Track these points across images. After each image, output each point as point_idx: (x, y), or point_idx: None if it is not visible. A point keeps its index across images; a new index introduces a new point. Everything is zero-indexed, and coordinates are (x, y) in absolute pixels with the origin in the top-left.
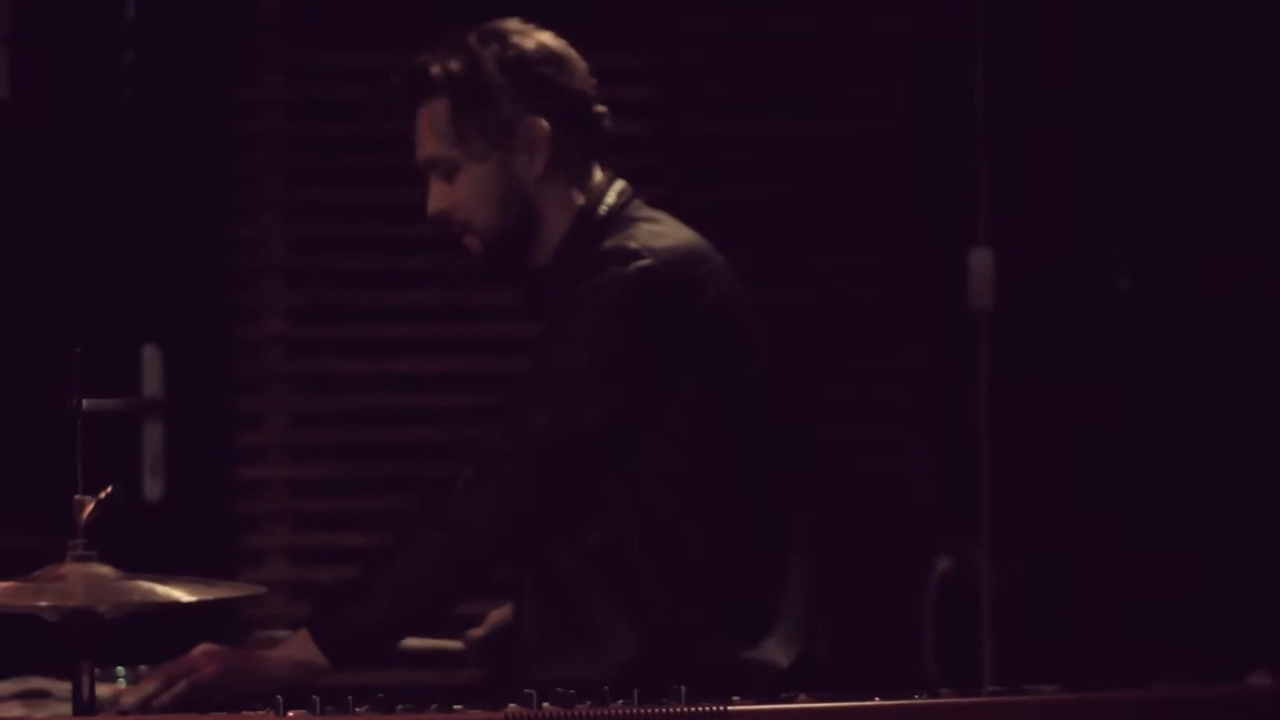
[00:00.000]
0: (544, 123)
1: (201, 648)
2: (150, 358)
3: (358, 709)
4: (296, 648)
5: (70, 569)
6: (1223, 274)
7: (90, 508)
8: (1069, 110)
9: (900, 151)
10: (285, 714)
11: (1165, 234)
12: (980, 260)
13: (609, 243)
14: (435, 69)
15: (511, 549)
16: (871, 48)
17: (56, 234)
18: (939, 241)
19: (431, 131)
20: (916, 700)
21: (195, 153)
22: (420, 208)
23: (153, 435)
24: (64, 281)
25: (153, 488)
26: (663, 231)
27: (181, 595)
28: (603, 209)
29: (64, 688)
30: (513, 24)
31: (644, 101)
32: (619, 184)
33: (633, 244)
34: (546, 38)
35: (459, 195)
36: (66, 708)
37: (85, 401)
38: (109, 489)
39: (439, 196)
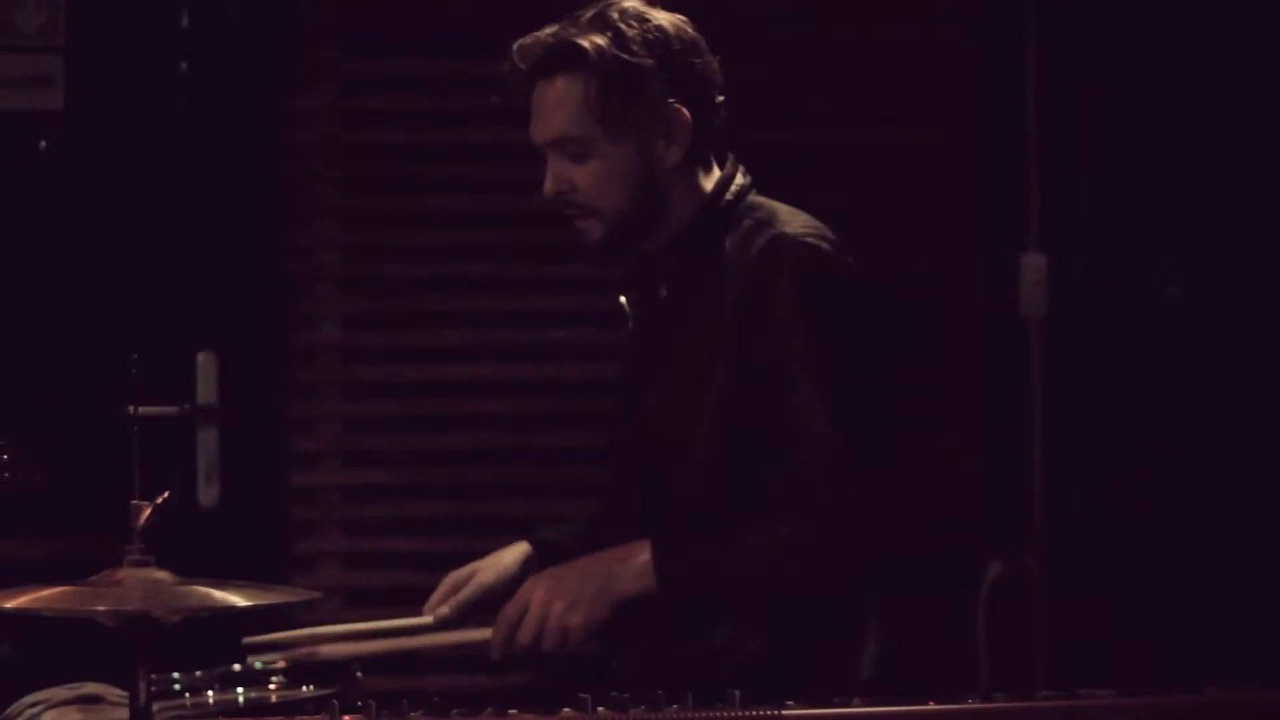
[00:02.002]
0: (685, 111)
1: (531, 584)
2: (205, 364)
3: (413, 713)
4: (627, 565)
5: (127, 574)
6: (1274, 281)
7: (146, 513)
8: (1123, 116)
9: (954, 159)
10: (342, 718)
11: (1217, 241)
12: (1033, 267)
13: (775, 229)
14: (585, 43)
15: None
16: (925, 56)
17: (112, 241)
18: (992, 248)
19: (567, 108)
20: (970, 705)
21: (249, 160)
22: (470, 212)
23: (208, 441)
24: (120, 289)
25: (208, 493)
26: (797, 211)
27: (237, 600)
28: (729, 196)
29: (120, 693)
30: (642, 3)
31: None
32: (741, 170)
33: (798, 227)
34: (681, 20)
35: (589, 177)
36: (122, 713)
37: (141, 408)
38: (165, 494)
39: (562, 176)
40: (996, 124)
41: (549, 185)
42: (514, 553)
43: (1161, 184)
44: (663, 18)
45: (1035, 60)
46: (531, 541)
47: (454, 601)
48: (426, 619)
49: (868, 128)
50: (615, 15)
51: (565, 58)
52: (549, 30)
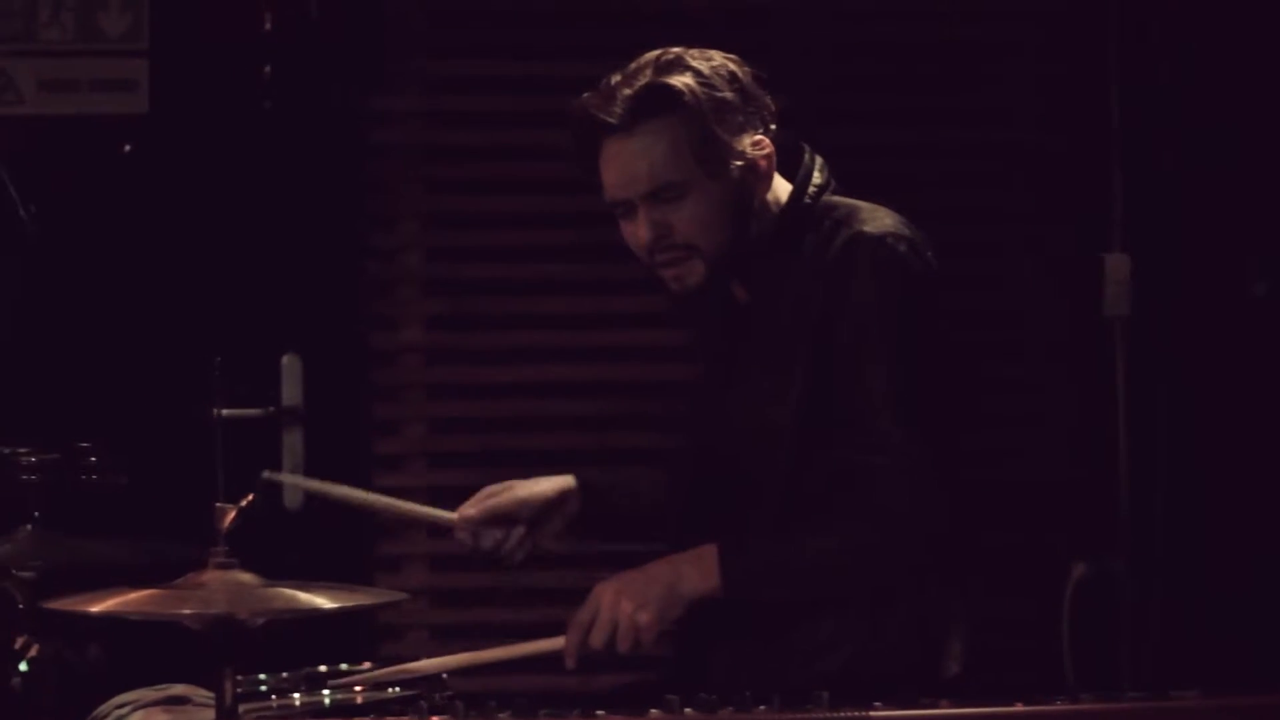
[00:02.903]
0: (767, 140)
1: (600, 589)
2: (290, 366)
3: (500, 714)
4: (693, 565)
5: (212, 576)
6: None
7: (231, 515)
8: (1206, 114)
9: (1036, 159)
10: (429, 718)
11: None
12: (1117, 267)
13: (854, 228)
14: (678, 84)
15: (940, 543)
16: (1005, 55)
17: (196, 244)
18: (1075, 249)
19: (659, 154)
20: (1058, 706)
21: (333, 163)
22: (552, 213)
23: (292, 443)
24: (204, 292)
25: (292, 495)
26: (878, 208)
27: (322, 602)
28: (808, 197)
29: (206, 694)
30: (693, 50)
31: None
32: (819, 166)
33: (878, 226)
34: (727, 55)
35: (688, 218)
36: (209, 714)
37: (225, 410)
38: (250, 497)
39: (659, 222)
40: (1080, 123)
41: (646, 234)
42: (555, 482)
43: (1246, 182)
44: (716, 54)
45: (1118, 59)
46: (577, 476)
47: (484, 505)
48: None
49: (947, 128)
50: (686, 57)
51: (657, 103)
52: (615, 83)
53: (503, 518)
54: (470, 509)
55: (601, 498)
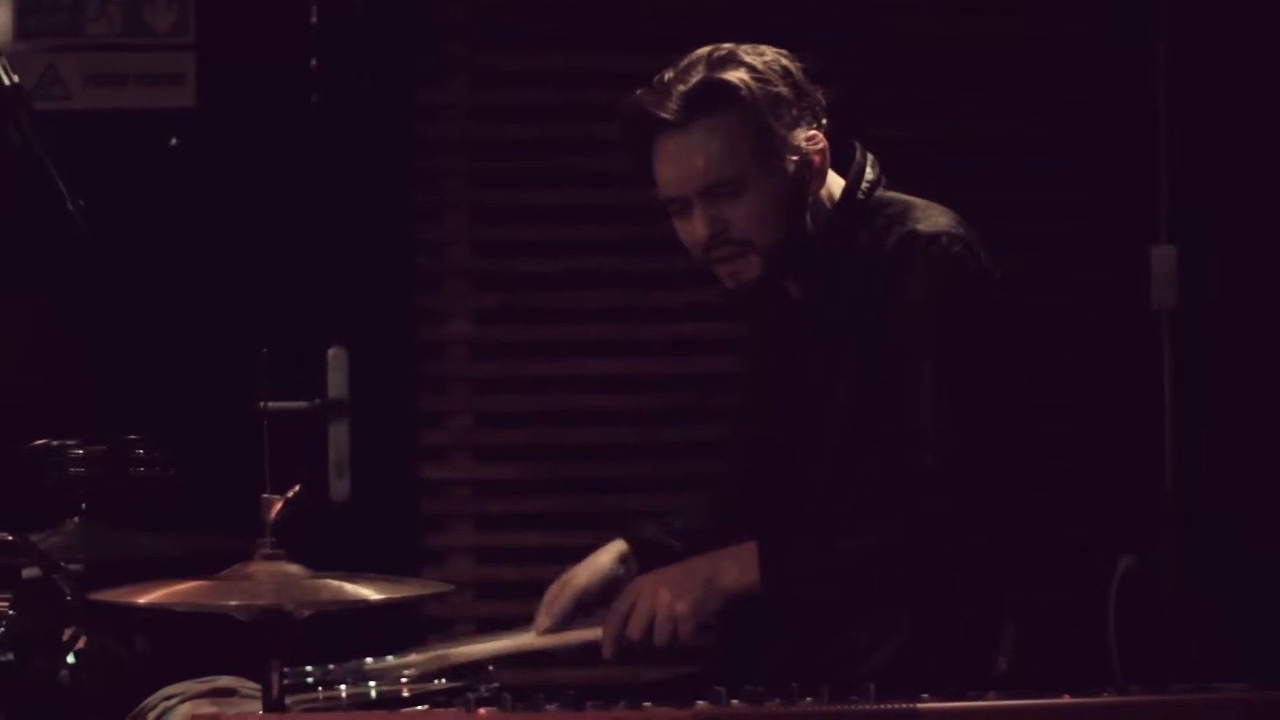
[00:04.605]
0: (820, 135)
1: (639, 581)
2: (336, 359)
3: (548, 706)
4: (733, 560)
5: (259, 568)
6: None
7: (278, 507)
8: (1252, 106)
9: (1082, 151)
10: (476, 711)
11: None
12: (1163, 258)
13: (908, 226)
14: (734, 79)
15: (983, 546)
16: (1051, 49)
17: (243, 238)
18: (1121, 240)
19: (715, 149)
20: (1105, 698)
21: (380, 156)
22: (600, 207)
23: (338, 436)
24: (251, 285)
25: (338, 488)
26: (932, 205)
27: (369, 594)
28: (861, 193)
29: (253, 686)
30: (745, 45)
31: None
32: (871, 162)
33: (931, 224)
34: (779, 50)
35: (744, 214)
36: (256, 706)
37: (272, 403)
38: (296, 489)
39: (715, 218)
40: (1126, 115)
41: (703, 230)
42: (610, 552)
43: None
44: (768, 49)
45: (1165, 52)
46: (628, 539)
47: (552, 612)
48: (531, 634)
49: (994, 121)
50: (739, 53)
51: (712, 98)
52: (668, 79)
53: (577, 612)
54: (544, 621)
55: (658, 551)
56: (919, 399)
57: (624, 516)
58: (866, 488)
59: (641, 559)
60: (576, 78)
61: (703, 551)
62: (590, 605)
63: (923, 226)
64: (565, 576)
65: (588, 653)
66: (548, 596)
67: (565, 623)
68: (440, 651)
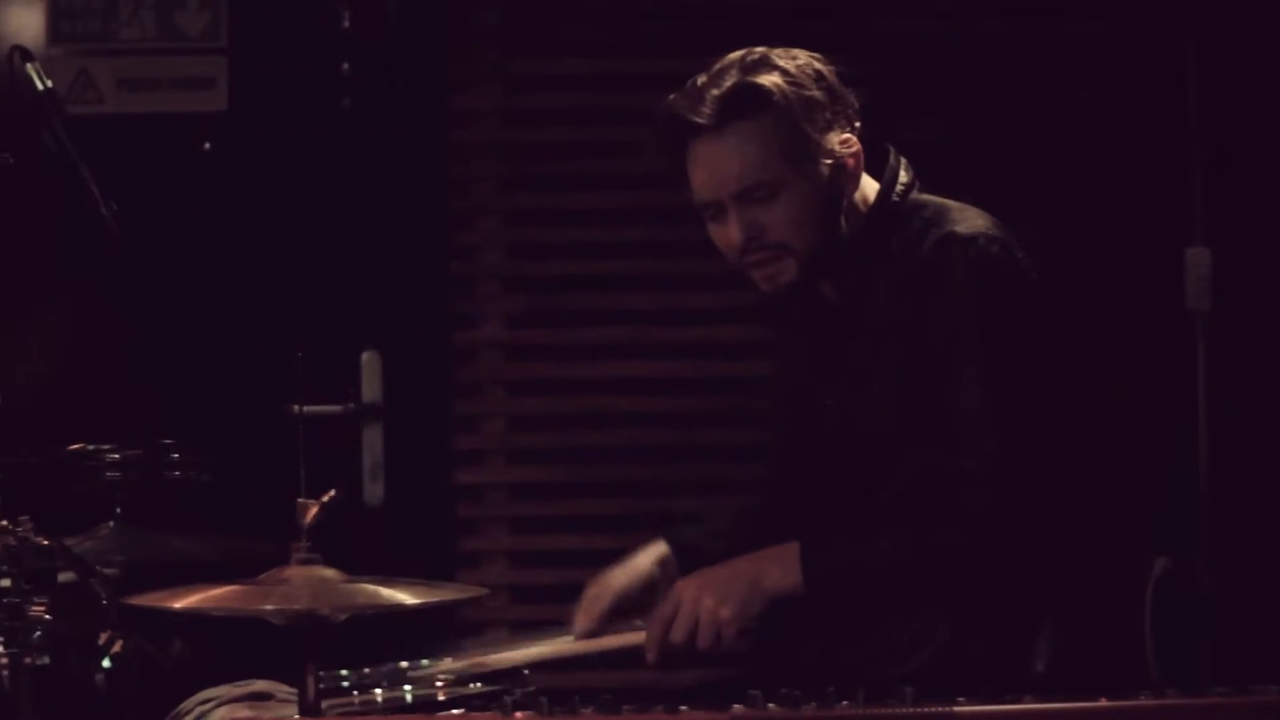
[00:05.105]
0: (854, 138)
1: (682, 584)
2: (370, 363)
3: (584, 709)
4: (775, 562)
5: (294, 572)
6: None
7: (313, 511)
8: None
9: (1115, 153)
10: (513, 714)
11: None
12: (1198, 261)
13: (945, 228)
14: (767, 83)
15: (1021, 550)
16: (1085, 50)
17: (276, 242)
18: (1156, 243)
19: (751, 153)
20: (1142, 701)
21: (413, 160)
22: (632, 209)
23: (373, 439)
24: (284, 289)
25: (373, 491)
26: (966, 207)
27: (405, 598)
28: (895, 196)
29: (288, 690)
30: (778, 49)
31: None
32: (905, 165)
33: (969, 226)
34: (811, 54)
35: (780, 217)
36: (291, 710)
37: (307, 407)
38: (331, 493)
39: (750, 222)
40: (1160, 117)
41: (738, 235)
42: (649, 555)
43: None
44: (801, 53)
45: (1196, 52)
46: (668, 540)
47: (591, 615)
48: (568, 639)
49: (1026, 122)
50: (772, 56)
51: (747, 102)
52: (702, 83)
53: (615, 615)
54: (583, 624)
55: (698, 553)
56: (958, 401)
57: (659, 519)
58: (906, 489)
59: (681, 561)
60: (608, 82)
61: (743, 553)
62: (629, 608)
63: (960, 228)
64: (604, 579)
65: (628, 657)
66: (586, 599)
67: (604, 626)
68: (478, 659)
